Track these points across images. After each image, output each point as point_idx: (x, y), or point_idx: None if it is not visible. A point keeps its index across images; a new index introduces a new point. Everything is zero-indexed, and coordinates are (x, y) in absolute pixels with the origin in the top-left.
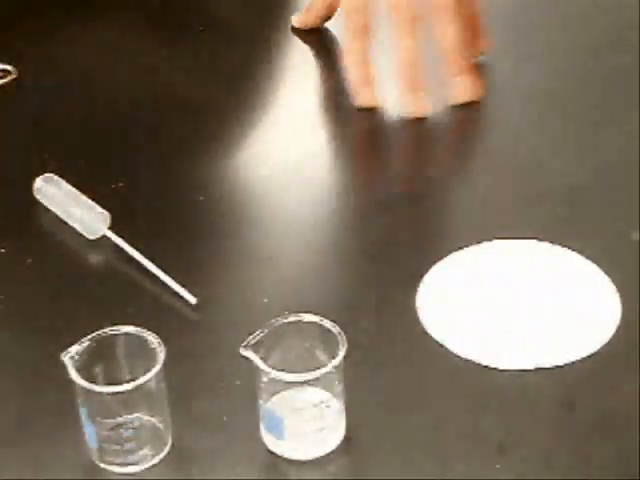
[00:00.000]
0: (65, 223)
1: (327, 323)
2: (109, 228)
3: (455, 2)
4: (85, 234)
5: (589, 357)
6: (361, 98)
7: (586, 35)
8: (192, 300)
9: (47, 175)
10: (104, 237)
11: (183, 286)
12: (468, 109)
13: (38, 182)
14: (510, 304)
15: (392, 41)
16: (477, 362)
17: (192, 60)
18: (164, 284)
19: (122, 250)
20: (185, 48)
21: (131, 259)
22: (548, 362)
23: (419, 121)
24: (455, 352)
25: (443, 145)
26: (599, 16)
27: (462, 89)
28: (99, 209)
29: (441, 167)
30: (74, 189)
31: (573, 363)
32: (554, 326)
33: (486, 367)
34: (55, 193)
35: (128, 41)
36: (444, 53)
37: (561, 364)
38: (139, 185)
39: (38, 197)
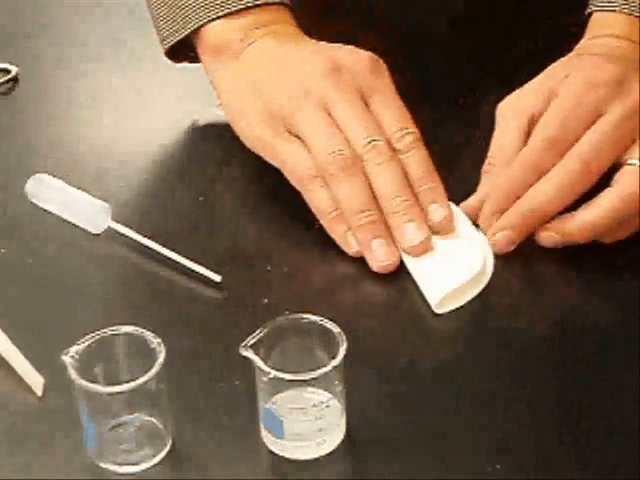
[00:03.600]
0: (63, 221)
1: (327, 323)
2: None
3: None
4: (89, 229)
5: None
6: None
7: None
8: (217, 278)
9: (36, 176)
10: (105, 232)
11: (204, 266)
12: None
13: (29, 185)
14: None
15: None
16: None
17: None
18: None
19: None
20: None
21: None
22: None
23: None
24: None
25: None
26: None
27: None
28: (99, 201)
29: None
30: (66, 185)
31: None
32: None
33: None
34: (49, 193)
35: None
36: None
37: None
38: None
39: (33, 200)
